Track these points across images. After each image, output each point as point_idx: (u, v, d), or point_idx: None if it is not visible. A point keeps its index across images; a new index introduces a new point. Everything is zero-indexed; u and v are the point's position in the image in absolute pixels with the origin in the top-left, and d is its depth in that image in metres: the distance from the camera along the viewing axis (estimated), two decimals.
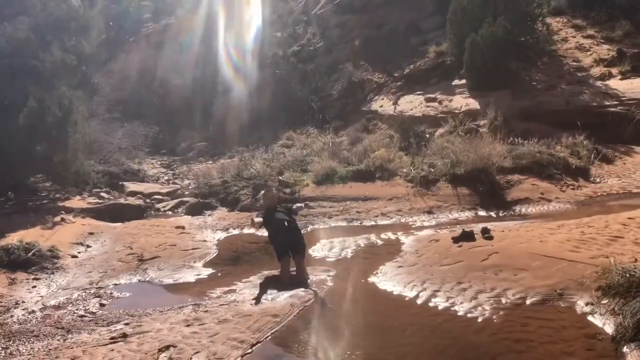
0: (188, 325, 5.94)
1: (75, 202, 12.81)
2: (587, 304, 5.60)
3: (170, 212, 12.76)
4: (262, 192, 7.80)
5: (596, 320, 5.35)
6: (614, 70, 15.52)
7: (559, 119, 14.19)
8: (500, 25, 15.48)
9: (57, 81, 13.72)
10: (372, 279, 7.14)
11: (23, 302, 7.25)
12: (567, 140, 12.78)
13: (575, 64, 16.14)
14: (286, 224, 7.44)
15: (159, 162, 20.55)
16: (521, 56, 16.35)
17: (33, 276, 8.16)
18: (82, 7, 14.91)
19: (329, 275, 7.39)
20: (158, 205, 13.32)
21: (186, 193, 14.28)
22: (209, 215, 11.88)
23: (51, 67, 13.46)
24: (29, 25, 13.62)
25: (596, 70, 15.73)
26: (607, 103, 14.27)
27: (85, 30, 15.16)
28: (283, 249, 7.18)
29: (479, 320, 5.63)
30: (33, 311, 6.92)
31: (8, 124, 12.33)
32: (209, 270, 8.22)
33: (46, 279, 8.16)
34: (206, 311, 6.36)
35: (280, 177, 12.79)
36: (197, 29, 27.21)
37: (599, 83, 15.15)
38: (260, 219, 7.72)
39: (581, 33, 17.60)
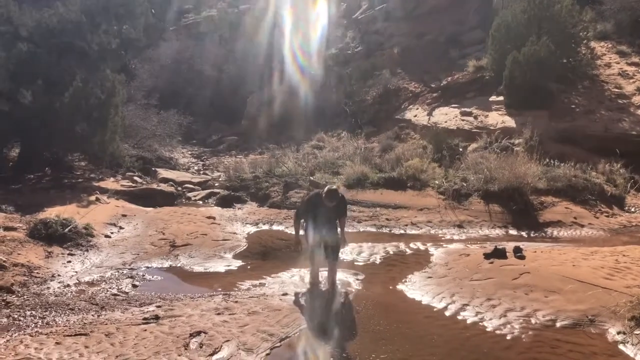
0: (219, 314, 6.05)
1: (110, 184, 13.11)
2: (619, 333, 5.59)
3: (201, 202, 12.96)
4: (326, 189, 6.68)
5: (628, 349, 5.34)
6: None
7: (596, 144, 14.06)
8: (544, 45, 15.37)
9: (101, 63, 13.99)
10: (400, 286, 7.18)
11: (59, 275, 7.45)
12: (604, 166, 12.66)
13: (617, 90, 15.93)
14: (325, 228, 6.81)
15: (189, 152, 20.83)
16: (562, 78, 16.20)
17: (68, 251, 8.38)
18: None
19: (357, 279, 7.47)
20: (189, 194, 13.53)
21: (217, 185, 14.47)
22: (239, 208, 12.02)
23: (97, 50, 13.73)
24: (80, 7, 13.91)
25: (638, 99, 15.50)
26: None
27: (132, 16, 15.43)
28: (316, 250, 6.95)
29: (508, 337, 5.64)
30: (68, 285, 7.12)
31: (52, 102, 12.63)
32: (239, 262, 8.34)
33: (80, 255, 8.37)
34: (236, 302, 6.47)
35: (312, 178, 12.88)
36: (240, 23, 27.52)
37: None
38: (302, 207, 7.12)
39: (625, 59, 17.37)
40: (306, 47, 24.47)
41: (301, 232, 7.02)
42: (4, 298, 6.42)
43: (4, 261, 7.24)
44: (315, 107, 21.46)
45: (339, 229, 7.01)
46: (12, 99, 12.99)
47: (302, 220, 7.01)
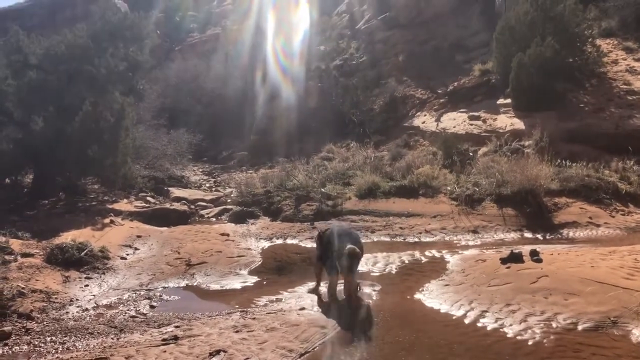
0: (237, 331, 6.04)
1: (123, 205, 13.21)
2: None
3: (214, 219, 13.01)
4: (348, 251, 6.77)
5: None
6: None
7: (607, 142, 13.95)
8: (549, 46, 15.33)
9: (110, 87, 14.14)
10: (417, 295, 7.14)
11: (77, 299, 7.49)
12: (617, 164, 12.55)
13: (625, 87, 15.81)
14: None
15: (200, 170, 20.96)
16: (569, 77, 16.12)
17: (85, 275, 8.43)
18: (138, 16, 15.37)
19: (374, 290, 7.43)
20: (202, 212, 13.59)
21: (229, 201, 14.53)
22: (252, 224, 12.05)
23: (105, 73, 13.87)
24: (87, 33, 14.12)
25: None
26: None
27: (138, 39, 15.59)
28: (333, 266, 7.04)
29: (530, 343, 5.57)
30: (87, 309, 7.15)
31: (64, 127, 12.80)
32: (255, 278, 8.35)
33: (97, 278, 8.41)
34: (254, 318, 6.46)
35: (323, 190, 12.88)
36: (243, 40, 27.79)
37: None
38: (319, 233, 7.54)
39: (632, 55, 17.25)
40: (310, 59, 24.71)
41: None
42: (24, 325, 6.47)
43: (23, 288, 7.30)
44: (323, 119, 21.53)
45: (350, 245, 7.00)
46: (24, 126, 13.20)
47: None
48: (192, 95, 26.93)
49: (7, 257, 8.23)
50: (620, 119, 14.60)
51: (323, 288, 7.39)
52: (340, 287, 7.16)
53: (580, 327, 5.80)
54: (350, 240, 6.94)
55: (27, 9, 37.89)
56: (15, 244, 9.02)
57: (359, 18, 27.50)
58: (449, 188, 12.07)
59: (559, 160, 12.35)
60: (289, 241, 10.58)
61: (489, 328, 5.99)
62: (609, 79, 16.38)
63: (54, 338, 6.10)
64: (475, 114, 17.22)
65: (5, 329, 6.20)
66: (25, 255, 8.59)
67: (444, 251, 9.04)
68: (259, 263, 9.18)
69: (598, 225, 10.37)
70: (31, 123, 12.93)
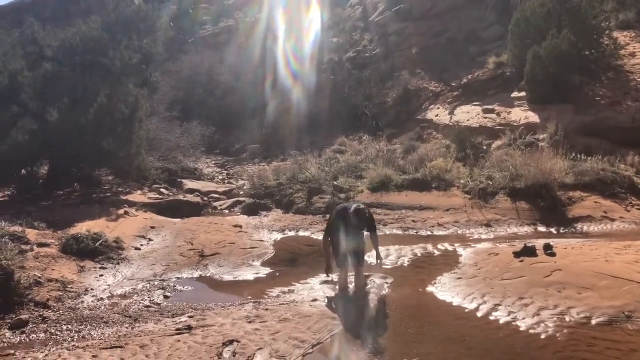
0: (250, 322, 6.08)
1: (137, 197, 13.32)
2: None
3: (226, 211, 13.08)
4: (353, 208, 6.87)
5: None
6: None
7: (624, 136, 13.82)
8: (565, 38, 15.16)
9: (124, 79, 14.23)
10: (430, 288, 7.14)
11: (92, 289, 7.58)
12: (633, 158, 12.42)
13: None
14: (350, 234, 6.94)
15: (213, 162, 21.06)
16: (585, 70, 15.95)
17: (100, 265, 8.52)
18: (151, 8, 15.43)
19: (386, 282, 7.43)
20: (215, 204, 13.68)
21: (241, 193, 14.60)
22: (265, 215, 12.10)
23: (120, 65, 13.96)
24: (101, 25, 14.19)
25: None
26: None
27: (152, 31, 15.66)
28: (343, 256, 7.02)
29: (542, 336, 5.55)
30: (101, 298, 7.24)
31: (78, 118, 12.90)
32: (267, 270, 8.39)
33: (112, 268, 8.50)
34: (267, 309, 6.49)
35: (335, 182, 12.89)
36: (256, 33, 27.80)
37: None
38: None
39: None
40: (324, 51, 24.63)
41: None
42: (41, 313, 6.56)
43: (39, 277, 7.40)
44: (335, 112, 21.52)
45: (364, 233, 7.01)
46: (40, 117, 13.33)
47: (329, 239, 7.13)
48: (204, 87, 27.03)
49: (23, 246, 8.31)
50: (637, 113, 14.44)
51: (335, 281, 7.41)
52: (351, 278, 7.17)
53: (593, 321, 5.77)
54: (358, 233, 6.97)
55: (40, 1, 38.15)
56: (31, 234, 9.13)
57: (372, 10, 27.39)
58: (462, 181, 12.02)
59: (573, 154, 12.24)
60: (301, 233, 10.63)
61: (501, 321, 5.97)
62: (625, 72, 16.17)
63: (69, 326, 6.18)
64: (489, 107, 17.10)
65: (22, 317, 6.30)
66: (41, 245, 8.69)
67: (456, 244, 9.03)
68: (272, 255, 9.22)
69: (613, 220, 10.29)
70: (46, 114, 13.08)
